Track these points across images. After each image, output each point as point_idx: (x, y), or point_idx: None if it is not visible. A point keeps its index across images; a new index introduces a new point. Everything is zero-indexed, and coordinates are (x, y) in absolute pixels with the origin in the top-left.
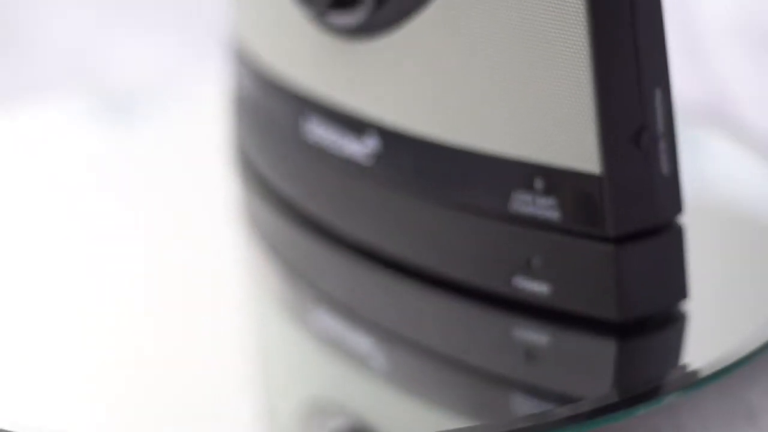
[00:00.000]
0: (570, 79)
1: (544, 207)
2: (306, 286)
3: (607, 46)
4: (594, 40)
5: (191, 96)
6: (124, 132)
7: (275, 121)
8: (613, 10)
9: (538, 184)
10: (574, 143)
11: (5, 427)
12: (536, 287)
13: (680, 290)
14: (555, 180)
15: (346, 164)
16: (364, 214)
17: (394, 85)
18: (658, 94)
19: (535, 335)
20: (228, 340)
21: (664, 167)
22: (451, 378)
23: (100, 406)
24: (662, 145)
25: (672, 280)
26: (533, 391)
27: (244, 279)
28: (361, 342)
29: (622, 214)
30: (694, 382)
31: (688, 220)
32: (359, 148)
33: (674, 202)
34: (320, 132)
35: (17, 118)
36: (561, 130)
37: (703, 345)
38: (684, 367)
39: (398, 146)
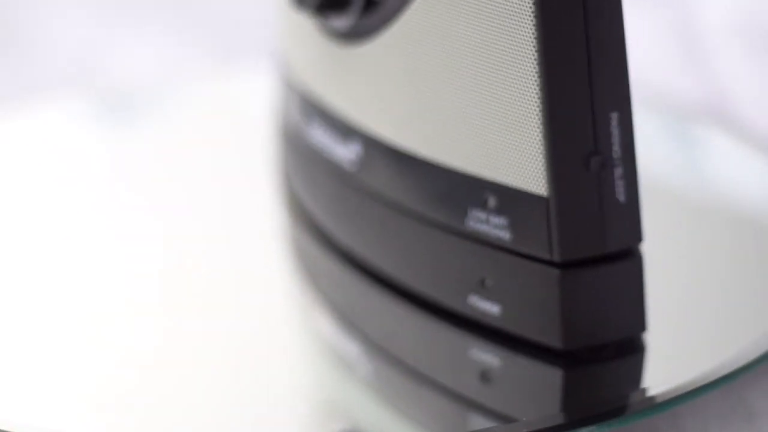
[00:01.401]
0: (520, 99)
1: (496, 226)
2: (308, 283)
3: (557, 68)
4: (543, 62)
5: (191, 96)
6: (124, 132)
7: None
8: (565, 31)
9: (491, 202)
10: (523, 163)
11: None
12: (489, 308)
13: (636, 322)
14: (506, 199)
15: (339, 170)
16: (351, 222)
17: (374, 91)
18: (614, 118)
19: (489, 356)
20: (235, 342)
21: (620, 194)
22: (415, 390)
23: (111, 410)
24: (618, 171)
25: (626, 311)
26: (486, 412)
27: (250, 277)
28: (348, 348)
29: (570, 239)
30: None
31: (689, 218)
32: (346, 154)
33: (631, 231)
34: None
35: (18, 118)
36: (513, 150)
37: (702, 353)
38: (638, 393)
39: (376, 153)
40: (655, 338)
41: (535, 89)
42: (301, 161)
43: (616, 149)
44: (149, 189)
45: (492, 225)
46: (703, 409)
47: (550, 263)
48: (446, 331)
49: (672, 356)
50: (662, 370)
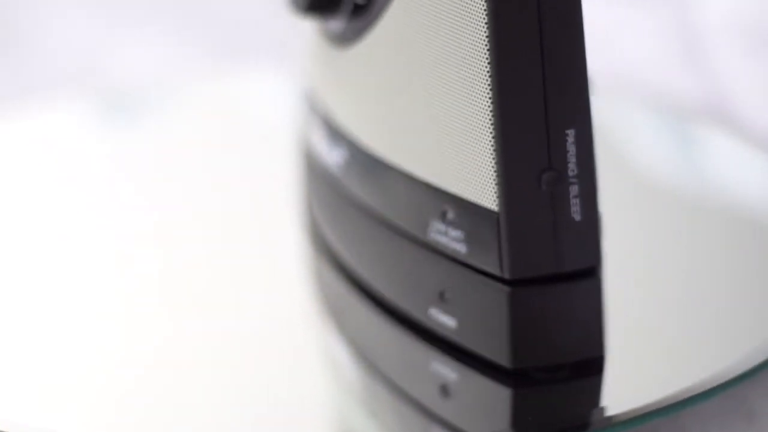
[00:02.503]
0: (474, 113)
1: (453, 239)
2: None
3: (510, 84)
4: (496, 77)
5: (191, 96)
6: (124, 132)
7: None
8: (519, 48)
9: (450, 214)
10: (477, 177)
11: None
12: (447, 321)
13: (592, 344)
14: (462, 213)
15: (333, 177)
16: (341, 229)
17: (355, 95)
18: (571, 135)
19: (447, 370)
20: (235, 342)
21: (576, 213)
22: (388, 399)
23: (110, 411)
24: (574, 189)
25: (581, 332)
26: (445, 426)
27: (250, 276)
28: (336, 351)
29: (521, 256)
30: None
31: (689, 218)
32: (335, 158)
33: (588, 251)
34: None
35: (18, 118)
36: (468, 163)
37: (703, 359)
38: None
39: (356, 159)
40: (655, 339)
41: (487, 103)
42: (320, 185)
43: (572, 167)
44: (149, 189)
45: (450, 237)
46: (704, 409)
47: (501, 280)
48: (413, 342)
49: (672, 358)
50: (663, 373)
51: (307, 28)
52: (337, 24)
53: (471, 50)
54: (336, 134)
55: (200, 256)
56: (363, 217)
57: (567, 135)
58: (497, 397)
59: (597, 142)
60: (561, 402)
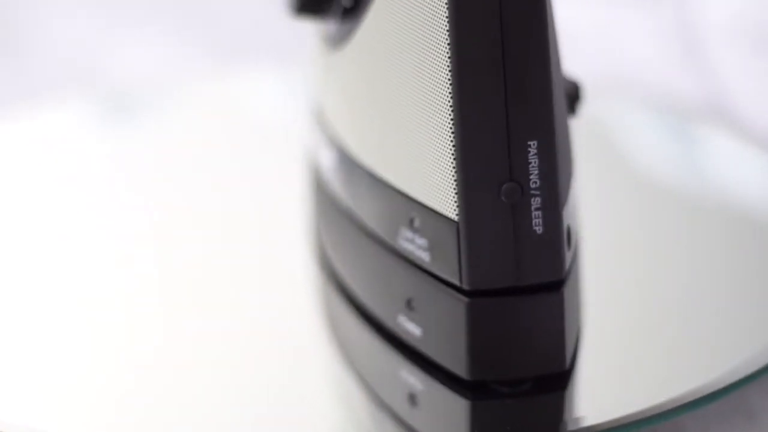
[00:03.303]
0: (436, 122)
1: (419, 247)
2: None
3: (470, 94)
4: (456, 88)
5: (192, 96)
6: (125, 132)
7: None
8: (480, 59)
9: (416, 222)
10: (439, 186)
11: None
12: (413, 329)
13: (554, 359)
14: (427, 221)
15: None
16: (331, 232)
17: (342, 99)
18: (533, 147)
19: (414, 379)
20: (235, 342)
21: (537, 226)
22: (365, 407)
23: (109, 411)
24: (535, 202)
25: (542, 347)
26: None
27: (250, 277)
28: (327, 354)
29: (479, 267)
30: None
31: (690, 218)
32: (327, 161)
33: (550, 265)
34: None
35: (19, 119)
36: (431, 171)
37: (704, 361)
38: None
39: (341, 161)
40: (654, 339)
41: (448, 113)
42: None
43: (534, 179)
44: (149, 189)
45: (416, 245)
46: (704, 408)
47: (460, 290)
48: (385, 348)
49: (674, 359)
50: (663, 375)
51: (309, 31)
52: (330, 26)
53: (433, 59)
54: (329, 136)
55: (200, 257)
56: (348, 223)
57: (529, 146)
58: (457, 410)
59: (596, 142)
60: (521, 416)
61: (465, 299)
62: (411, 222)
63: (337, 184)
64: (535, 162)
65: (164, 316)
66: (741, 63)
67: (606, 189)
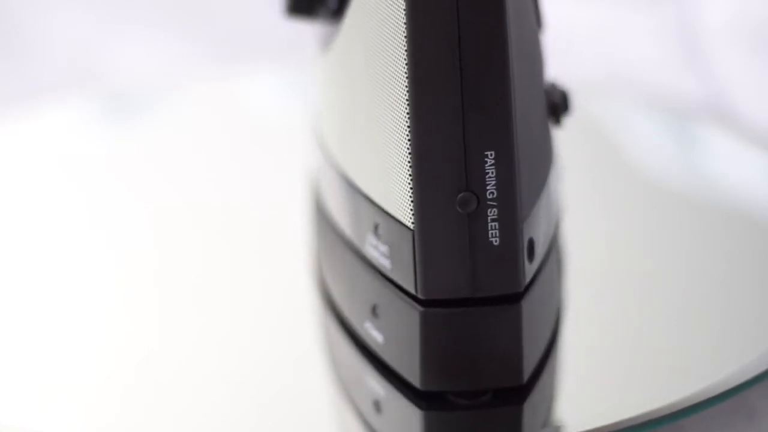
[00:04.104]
0: (395, 130)
1: (382, 254)
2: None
3: (427, 103)
4: (413, 96)
5: (192, 96)
6: (125, 132)
7: None
8: (437, 68)
9: (380, 229)
10: (398, 194)
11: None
12: (376, 336)
13: (510, 372)
14: (388, 228)
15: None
16: (320, 236)
17: (325, 102)
18: (490, 157)
19: (377, 386)
20: (234, 343)
21: (494, 237)
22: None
23: (108, 412)
24: (492, 213)
25: (498, 360)
26: None
27: (250, 277)
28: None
29: (433, 277)
30: None
31: (690, 218)
32: (318, 167)
33: (507, 278)
34: None
35: (19, 119)
36: (392, 179)
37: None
38: None
39: (327, 167)
40: (654, 341)
41: (405, 120)
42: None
43: (491, 190)
44: (149, 189)
45: (379, 252)
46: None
47: (416, 299)
48: (356, 355)
49: (673, 362)
50: (665, 377)
51: (310, 31)
52: (322, 28)
53: (394, 67)
54: (318, 142)
55: (200, 257)
56: (331, 228)
57: (486, 156)
58: (413, 420)
59: (597, 142)
60: (476, 430)
61: (420, 308)
62: (375, 228)
63: (323, 190)
64: (492, 172)
65: (164, 316)
66: (741, 63)
67: (606, 189)
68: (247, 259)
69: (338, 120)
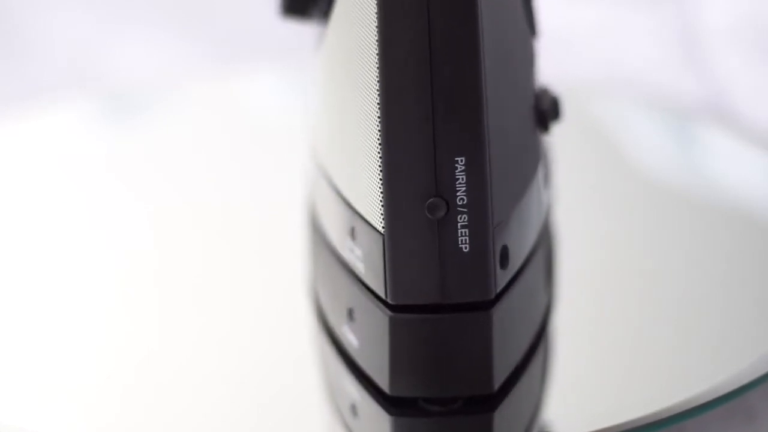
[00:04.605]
0: (368, 134)
1: (357, 257)
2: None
3: (397, 108)
4: (384, 101)
5: (193, 96)
6: (125, 132)
7: None
8: (407, 73)
9: (355, 233)
10: (371, 198)
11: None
12: (352, 340)
13: (480, 381)
14: (362, 232)
15: None
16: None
17: (315, 103)
18: (461, 163)
19: (353, 390)
20: (234, 344)
21: (464, 244)
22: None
23: (107, 412)
24: (462, 219)
25: (468, 367)
26: None
27: (249, 278)
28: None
29: (402, 282)
30: None
31: (690, 218)
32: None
33: (476, 285)
34: None
35: (20, 119)
36: (365, 183)
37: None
38: None
39: (314, 167)
40: (653, 343)
41: (376, 125)
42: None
43: (461, 196)
44: (149, 189)
45: (355, 256)
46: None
47: (386, 304)
48: (336, 357)
49: (673, 364)
50: (664, 379)
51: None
52: (317, 29)
53: (367, 71)
54: (311, 145)
55: (200, 257)
56: (313, 230)
57: (456, 162)
58: (383, 425)
59: (597, 142)
60: None
61: (389, 313)
62: (352, 231)
63: (315, 194)
64: (462, 179)
65: (164, 316)
66: (741, 63)
67: (606, 189)
68: (246, 259)
69: (325, 122)
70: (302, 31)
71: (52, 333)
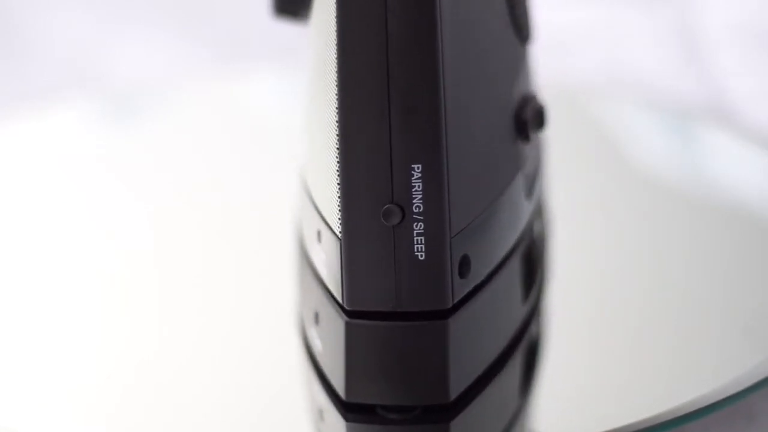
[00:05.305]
0: (328, 140)
1: (321, 261)
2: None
3: (354, 114)
4: (341, 107)
5: (193, 97)
6: (126, 133)
7: None
8: (364, 78)
9: (321, 236)
10: (331, 203)
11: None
12: (317, 344)
13: (435, 390)
14: (325, 236)
15: None
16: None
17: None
18: (417, 171)
19: (319, 395)
20: (233, 344)
21: (420, 252)
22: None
23: (106, 413)
24: (418, 227)
25: (423, 376)
26: None
27: (249, 278)
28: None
29: (357, 288)
30: None
31: (690, 218)
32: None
33: (432, 293)
34: None
35: (20, 120)
36: (327, 187)
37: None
38: None
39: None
40: (652, 345)
41: (335, 130)
42: None
43: (418, 203)
44: (148, 190)
45: (320, 259)
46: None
47: (343, 309)
48: (308, 361)
49: (672, 367)
50: (664, 381)
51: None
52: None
53: (328, 75)
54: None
55: (200, 257)
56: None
57: (413, 170)
58: (340, 430)
59: (598, 143)
60: None
61: (345, 318)
62: (318, 235)
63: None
64: (419, 186)
65: (164, 316)
66: (741, 63)
67: (606, 189)
68: (246, 259)
69: (306, 124)
70: (302, 31)
71: (52, 333)
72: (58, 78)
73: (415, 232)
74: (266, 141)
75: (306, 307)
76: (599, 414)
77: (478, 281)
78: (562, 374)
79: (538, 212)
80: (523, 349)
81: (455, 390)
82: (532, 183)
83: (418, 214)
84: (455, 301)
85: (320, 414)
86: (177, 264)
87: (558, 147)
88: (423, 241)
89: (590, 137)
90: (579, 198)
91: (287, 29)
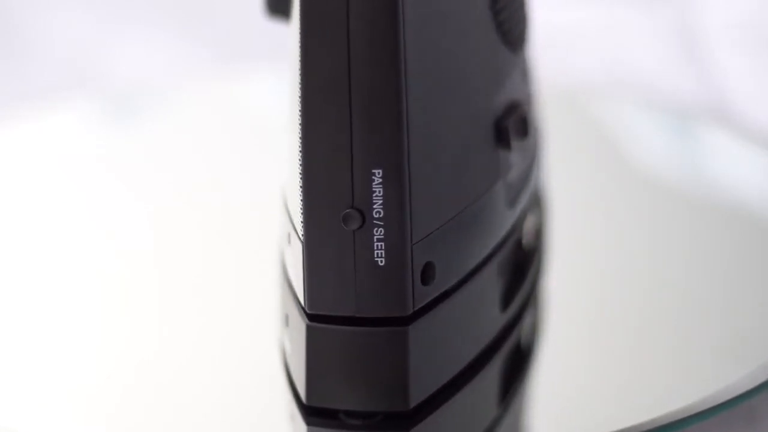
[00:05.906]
0: (294, 143)
1: (289, 264)
2: None
3: (315, 118)
4: (303, 111)
5: (193, 97)
6: (126, 133)
7: None
8: (325, 82)
9: (290, 238)
10: (295, 206)
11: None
12: (287, 346)
13: (395, 397)
14: (293, 239)
15: None
16: None
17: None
18: (378, 176)
19: (288, 398)
20: (233, 345)
21: (379, 257)
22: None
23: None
24: (378, 233)
25: (382, 383)
26: None
27: (249, 279)
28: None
29: (317, 292)
30: None
31: (691, 218)
32: None
33: (392, 299)
34: None
35: (21, 120)
36: (293, 190)
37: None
38: None
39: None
40: (652, 346)
41: (298, 134)
42: None
43: (378, 209)
44: (148, 190)
45: (288, 262)
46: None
47: (305, 312)
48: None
49: (672, 369)
50: (664, 383)
51: None
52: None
53: (295, 79)
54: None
55: (200, 257)
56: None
57: (373, 175)
58: None
59: (597, 143)
60: None
61: (306, 322)
62: (288, 238)
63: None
64: (379, 191)
65: (164, 316)
66: (741, 63)
67: (606, 189)
68: (246, 259)
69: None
70: None
71: (52, 333)
72: (58, 78)
73: (375, 237)
74: (266, 141)
75: (281, 310)
76: (598, 417)
77: (443, 289)
78: (560, 376)
79: (537, 217)
80: (500, 359)
81: (415, 398)
82: (518, 191)
83: (378, 219)
84: (416, 308)
85: (292, 417)
86: (177, 264)
87: (558, 147)
88: (383, 247)
89: (590, 137)
90: (579, 198)
91: (287, 29)
